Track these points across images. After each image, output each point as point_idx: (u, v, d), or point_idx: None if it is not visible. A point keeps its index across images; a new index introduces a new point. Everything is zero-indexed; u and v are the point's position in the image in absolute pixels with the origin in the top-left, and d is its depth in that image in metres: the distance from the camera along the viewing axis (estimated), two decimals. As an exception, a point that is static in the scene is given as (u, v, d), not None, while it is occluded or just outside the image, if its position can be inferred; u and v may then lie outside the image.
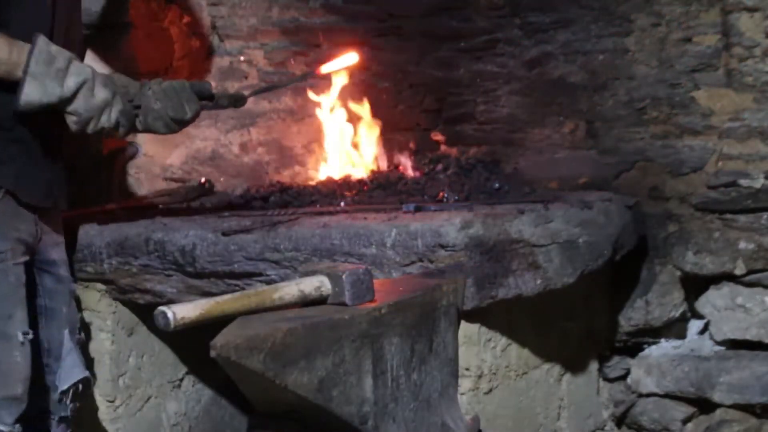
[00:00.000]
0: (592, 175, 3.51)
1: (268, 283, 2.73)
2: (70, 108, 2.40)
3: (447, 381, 2.44)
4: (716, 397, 3.29)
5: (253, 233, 2.80)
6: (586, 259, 2.86)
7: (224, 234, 2.82)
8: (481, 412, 2.67)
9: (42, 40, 2.33)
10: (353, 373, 2.02)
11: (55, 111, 2.41)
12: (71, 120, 2.42)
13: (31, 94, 2.30)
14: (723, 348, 3.40)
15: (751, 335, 3.34)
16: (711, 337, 3.43)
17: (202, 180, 3.57)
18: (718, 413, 3.32)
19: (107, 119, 2.47)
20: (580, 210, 2.97)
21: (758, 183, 3.32)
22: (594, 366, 3.41)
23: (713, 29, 3.33)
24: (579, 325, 3.25)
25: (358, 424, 2.04)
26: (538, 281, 2.71)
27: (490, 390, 2.74)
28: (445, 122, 3.76)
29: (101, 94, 2.44)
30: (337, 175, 3.57)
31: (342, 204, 3.17)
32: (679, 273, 3.41)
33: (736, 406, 3.29)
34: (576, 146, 3.56)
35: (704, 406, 3.35)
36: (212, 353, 1.77)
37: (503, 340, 2.79)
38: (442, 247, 2.58)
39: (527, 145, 3.62)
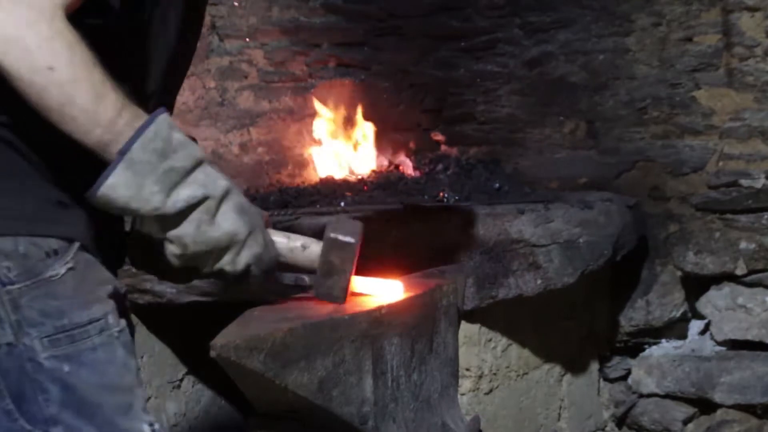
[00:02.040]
0: (592, 175, 3.51)
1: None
2: (172, 233, 1.57)
3: (447, 381, 2.43)
4: (717, 397, 3.28)
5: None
6: (586, 259, 2.86)
7: (224, 234, 2.81)
8: (481, 412, 2.66)
9: (164, 120, 1.52)
10: (353, 373, 2.01)
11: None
12: (170, 251, 1.60)
13: (117, 189, 1.49)
14: (724, 348, 3.39)
15: (752, 335, 3.33)
16: (712, 338, 3.42)
17: None
18: (719, 414, 3.32)
19: (230, 264, 1.63)
20: (580, 210, 2.96)
21: (759, 183, 3.32)
22: (594, 366, 3.40)
23: (714, 29, 3.33)
24: (579, 325, 3.24)
25: (358, 424, 2.04)
26: (538, 281, 2.71)
27: (491, 390, 2.74)
28: (445, 122, 3.75)
29: (227, 225, 1.59)
30: (337, 175, 3.57)
31: (342, 204, 3.16)
32: (679, 273, 3.41)
33: (737, 407, 3.28)
34: (576, 146, 3.55)
35: (705, 406, 3.35)
36: (212, 353, 1.76)
37: (503, 341, 2.78)
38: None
39: (527, 145, 3.61)
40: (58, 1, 1.44)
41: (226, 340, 1.79)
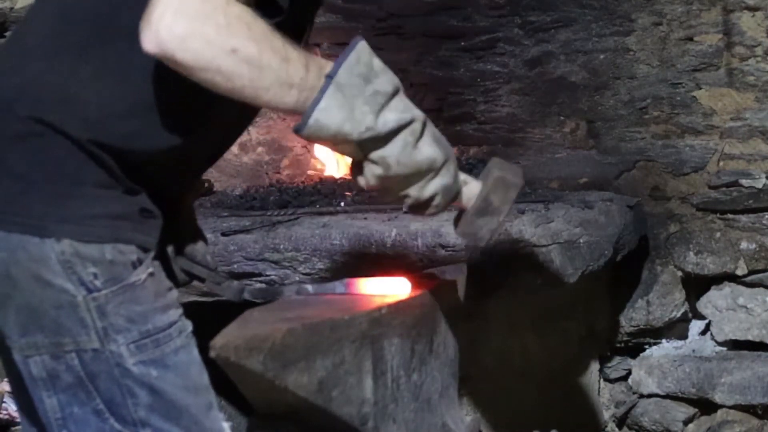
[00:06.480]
0: (592, 174, 3.50)
1: (268, 284, 2.72)
2: (376, 153, 1.55)
3: (447, 382, 2.43)
4: (717, 397, 3.28)
5: (252, 233, 2.79)
6: (586, 260, 2.86)
7: (223, 234, 2.81)
8: (481, 413, 2.66)
9: (363, 47, 1.53)
10: (353, 374, 2.01)
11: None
12: (372, 171, 1.58)
13: (330, 112, 1.48)
14: (724, 348, 3.39)
15: (752, 336, 3.33)
16: (712, 338, 3.42)
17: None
18: (720, 414, 3.31)
19: (418, 190, 1.63)
20: (580, 210, 2.96)
21: (760, 183, 3.31)
22: (595, 366, 3.40)
23: (715, 28, 3.33)
24: (579, 325, 3.24)
25: (358, 425, 2.03)
26: (538, 281, 2.70)
27: (491, 391, 2.73)
28: (446, 122, 3.74)
29: (428, 150, 1.60)
30: (337, 175, 3.56)
31: (342, 204, 3.16)
32: (680, 273, 3.40)
33: (737, 407, 3.27)
34: (577, 146, 3.55)
35: (705, 406, 3.34)
36: (211, 354, 1.75)
37: (503, 340, 2.78)
38: (442, 247, 2.57)
39: (528, 145, 3.61)
40: None
41: (225, 340, 1.79)
